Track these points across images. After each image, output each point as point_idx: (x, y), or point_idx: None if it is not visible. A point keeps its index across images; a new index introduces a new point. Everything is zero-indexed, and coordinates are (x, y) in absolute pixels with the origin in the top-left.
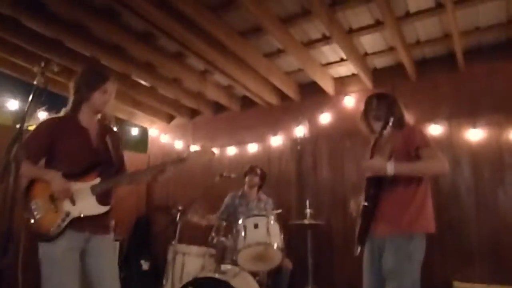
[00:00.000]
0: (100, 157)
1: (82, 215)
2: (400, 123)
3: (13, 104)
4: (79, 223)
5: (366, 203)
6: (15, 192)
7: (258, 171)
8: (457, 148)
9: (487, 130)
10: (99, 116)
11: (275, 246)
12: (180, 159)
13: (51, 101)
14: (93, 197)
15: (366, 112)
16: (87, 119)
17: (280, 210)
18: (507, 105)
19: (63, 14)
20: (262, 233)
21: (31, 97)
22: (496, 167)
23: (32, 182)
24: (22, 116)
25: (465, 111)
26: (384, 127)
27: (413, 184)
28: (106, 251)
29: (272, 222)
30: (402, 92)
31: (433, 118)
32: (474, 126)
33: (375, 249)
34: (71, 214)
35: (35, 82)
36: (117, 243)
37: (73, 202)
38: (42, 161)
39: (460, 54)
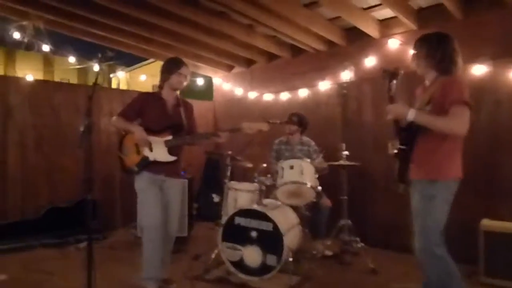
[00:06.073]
0: (173, 121)
1: (156, 159)
2: (444, 68)
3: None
4: (156, 168)
5: (402, 146)
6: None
7: (295, 119)
8: (500, 89)
9: None
10: (177, 92)
11: (308, 185)
12: (235, 129)
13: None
14: (165, 149)
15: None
16: (167, 94)
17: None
18: None
19: None
20: (296, 173)
21: (95, 81)
22: None
23: (125, 134)
24: (94, 84)
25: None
26: (388, 78)
27: (441, 134)
28: (175, 189)
29: (306, 164)
30: (448, 31)
31: (478, 57)
32: None
33: (412, 189)
34: (149, 157)
35: (97, 69)
36: (186, 181)
37: (151, 150)
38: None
39: None
